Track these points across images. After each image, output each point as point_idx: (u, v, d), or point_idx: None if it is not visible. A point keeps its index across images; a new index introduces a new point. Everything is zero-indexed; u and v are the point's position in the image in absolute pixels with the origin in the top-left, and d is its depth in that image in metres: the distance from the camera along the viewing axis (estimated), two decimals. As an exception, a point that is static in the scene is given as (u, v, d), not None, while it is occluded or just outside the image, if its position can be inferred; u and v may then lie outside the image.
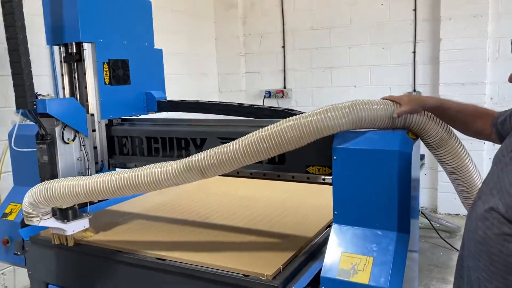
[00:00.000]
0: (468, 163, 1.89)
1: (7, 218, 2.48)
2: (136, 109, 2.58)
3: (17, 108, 2.14)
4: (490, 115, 1.75)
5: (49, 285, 2.40)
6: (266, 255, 2.02)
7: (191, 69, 6.14)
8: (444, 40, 5.18)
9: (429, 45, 5.43)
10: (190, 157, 1.89)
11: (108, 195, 2.01)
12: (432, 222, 4.78)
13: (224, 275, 1.88)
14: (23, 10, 2.07)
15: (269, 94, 6.34)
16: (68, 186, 2.01)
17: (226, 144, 1.84)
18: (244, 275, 1.84)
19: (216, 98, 6.69)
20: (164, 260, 2.04)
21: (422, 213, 4.89)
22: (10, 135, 2.45)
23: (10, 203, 2.56)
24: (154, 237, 2.32)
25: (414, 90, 5.53)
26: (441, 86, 5.25)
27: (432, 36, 5.38)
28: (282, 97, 6.27)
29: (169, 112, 2.71)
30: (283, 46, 6.28)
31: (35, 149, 2.28)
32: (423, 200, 5.57)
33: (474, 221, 1.43)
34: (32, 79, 2.13)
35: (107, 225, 2.52)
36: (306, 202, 2.81)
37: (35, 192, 2.06)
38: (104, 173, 2.05)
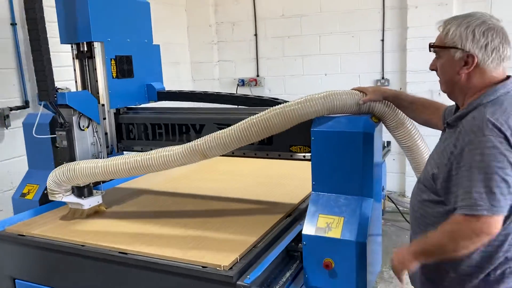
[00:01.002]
0: (420, 143, 2.26)
1: (25, 198, 2.83)
2: (139, 99, 2.91)
3: (40, 100, 2.48)
4: (438, 108, 2.00)
5: (16, 280, 2.44)
6: (225, 246, 2.10)
7: (163, 58, 6.10)
8: (411, 28, 5.28)
9: (397, 33, 5.52)
10: (193, 141, 2.25)
11: (123, 175, 2.39)
12: (398, 206, 4.94)
13: (183, 267, 1.96)
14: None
15: (242, 83, 6.38)
16: (88, 167, 2.38)
17: (223, 130, 2.21)
18: (202, 267, 1.93)
19: (189, 87, 6.69)
20: (126, 253, 2.11)
21: (388, 197, 5.05)
22: (24, 124, 2.92)
23: (27, 184, 2.91)
24: (118, 230, 2.38)
25: (383, 78, 5.64)
26: (408, 73, 5.37)
27: (399, 24, 5.48)
28: (255, 85, 6.31)
29: (165, 101, 3.02)
30: (255, 34, 6.29)
31: (54, 135, 2.66)
32: (392, 185, 5.74)
33: (412, 195, 1.82)
34: (52, 74, 2.47)
35: (74, 219, 2.57)
36: (267, 194, 2.90)
37: (59, 173, 2.43)
38: (119, 156, 2.42)
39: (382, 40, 5.61)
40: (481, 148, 1.46)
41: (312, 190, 2.23)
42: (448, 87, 1.70)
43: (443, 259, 1.60)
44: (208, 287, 1.91)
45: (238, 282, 1.82)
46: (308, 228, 2.11)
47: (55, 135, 2.65)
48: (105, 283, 2.19)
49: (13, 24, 3.96)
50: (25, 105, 4.09)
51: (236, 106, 2.79)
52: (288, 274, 2.11)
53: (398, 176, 5.78)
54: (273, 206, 2.65)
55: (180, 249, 2.08)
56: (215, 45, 6.56)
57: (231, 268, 1.90)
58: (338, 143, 2.14)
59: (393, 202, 5.06)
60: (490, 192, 1.44)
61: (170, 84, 6.37)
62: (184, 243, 2.17)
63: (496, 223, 1.46)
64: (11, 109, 3.94)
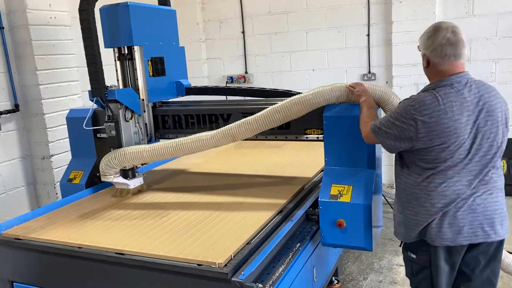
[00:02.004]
0: None
1: (72, 182, 3.28)
2: (170, 94, 3.32)
3: (92, 96, 2.88)
4: None
5: (14, 283, 2.48)
6: (220, 244, 2.17)
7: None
8: (396, 23, 5.36)
9: (382, 28, 5.60)
10: (225, 127, 2.74)
11: (166, 156, 2.85)
12: (387, 198, 5.04)
13: (179, 265, 2.02)
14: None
15: (231, 80, 6.42)
16: (136, 152, 2.87)
17: (250, 117, 2.69)
18: (198, 264, 1.99)
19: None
20: (123, 254, 2.16)
21: (377, 190, 5.16)
22: (68, 118, 3.39)
23: (72, 171, 3.35)
24: (115, 231, 2.43)
25: (369, 72, 5.72)
26: (394, 67, 5.45)
27: (384, 19, 5.55)
28: (244, 82, 6.35)
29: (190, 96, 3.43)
30: (243, 32, 6.33)
31: (97, 127, 3.19)
32: (382, 176, 5.84)
33: None
34: (103, 74, 2.87)
35: (70, 222, 2.61)
36: (259, 193, 2.97)
37: (111, 157, 2.92)
38: (161, 142, 2.88)
39: (368, 35, 5.69)
40: (400, 109, 2.10)
41: (325, 165, 2.72)
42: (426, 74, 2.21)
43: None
44: (204, 284, 1.97)
45: (233, 279, 1.88)
46: (324, 195, 2.59)
47: (97, 127, 3.18)
48: (103, 284, 2.25)
49: (1, 28, 3.96)
50: (15, 108, 4.11)
51: (255, 98, 3.21)
52: (308, 237, 2.57)
53: (387, 168, 5.87)
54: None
55: (175, 248, 2.14)
56: (203, 43, 6.58)
57: (225, 265, 1.97)
58: (346, 126, 2.60)
59: (382, 194, 5.16)
60: (386, 124, 2.14)
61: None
62: (180, 241, 2.23)
63: (373, 137, 2.23)
64: (1, 113, 3.96)
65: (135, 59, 3.02)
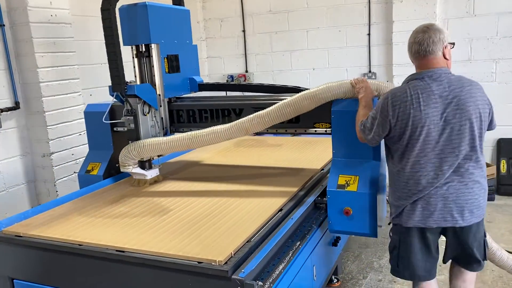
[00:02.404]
0: None
1: (90, 173, 3.43)
2: (184, 90, 3.46)
3: (113, 91, 2.99)
4: None
5: (14, 280, 2.48)
6: (221, 242, 2.17)
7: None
8: (396, 23, 5.37)
9: (383, 27, 5.61)
10: (238, 120, 2.88)
11: (182, 148, 3.04)
12: (387, 198, 5.04)
13: (179, 263, 2.02)
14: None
15: (231, 79, 6.42)
16: (154, 143, 3.02)
17: (262, 111, 2.82)
18: (198, 262, 1.99)
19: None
20: (123, 251, 2.16)
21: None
22: (86, 113, 3.53)
23: (90, 163, 3.48)
24: (115, 229, 2.43)
25: (370, 71, 5.73)
26: (394, 66, 5.47)
27: (385, 18, 5.57)
28: (244, 81, 6.36)
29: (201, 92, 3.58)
30: (243, 30, 6.34)
31: (114, 121, 3.33)
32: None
33: None
34: (123, 71, 2.99)
35: (71, 219, 2.62)
36: (259, 190, 2.98)
37: (130, 149, 3.07)
38: (178, 134, 3.03)
39: (369, 34, 5.70)
40: (381, 101, 2.36)
41: (333, 157, 2.85)
42: None
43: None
44: (204, 281, 1.97)
45: (233, 276, 1.88)
46: (332, 185, 2.73)
47: (115, 121, 3.34)
48: (103, 281, 2.25)
49: (1, 25, 3.96)
50: (16, 106, 4.11)
51: (266, 94, 3.36)
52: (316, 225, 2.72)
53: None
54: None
55: (176, 245, 2.14)
56: (204, 42, 6.59)
57: (226, 262, 1.97)
58: (353, 119, 2.68)
59: (382, 194, 5.16)
60: (370, 122, 2.40)
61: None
62: (180, 238, 2.23)
63: (360, 135, 2.52)
64: (1, 110, 3.96)
65: (152, 57, 3.16)
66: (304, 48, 6.05)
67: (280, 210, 2.60)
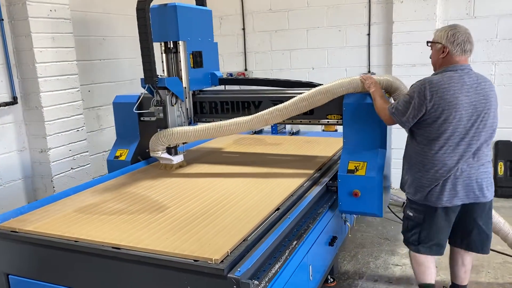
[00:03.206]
0: None
1: (119, 159, 3.76)
2: (206, 84, 3.75)
3: (145, 83, 3.25)
4: None
5: (9, 276, 2.48)
6: (217, 240, 2.16)
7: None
8: (397, 23, 5.36)
9: (383, 27, 5.60)
10: (259, 113, 3.20)
11: (207, 136, 3.38)
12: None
13: (175, 260, 2.02)
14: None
15: (231, 76, 6.41)
16: (182, 131, 3.34)
17: (281, 104, 3.15)
18: (194, 260, 1.99)
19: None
20: (119, 248, 2.16)
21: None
22: (114, 103, 3.86)
23: (118, 149, 3.82)
24: (111, 226, 2.43)
25: (369, 71, 5.72)
26: (394, 67, 5.45)
27: (385, 19, 5.56)
28: (243, 79, 6.35)
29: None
30: (243, 28, 6.32)
31: (142, 111, 3.63)
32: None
33: None
34: (155, 64, 3.22)
35: (67, 216, 2.61)
36: (252, 192, 2.98)
37: (160, 135, 3.38)
38: (203, 124, 3.38)
39: (368, 35, 5.70)
40: (414, 89, 2.63)
41: (344, 145, 3.17)
42: (433, 65, 2.79)
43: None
44: (199, 280, 1.97)
45: (229, 275, 1.88)
46: (342, 170, 3.06)
47: (143, 111, 3.63)
48: (99, 278, 2.24)
49: (0, 20, 3.95)
50: (14, 101, 4.10)
51: (282, 88, 3.66)
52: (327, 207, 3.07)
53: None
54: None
55: (172, 243, 2.14)
56: (203, 39, 6.56)
57: (222, 261, 1.97)
58: (362, 111, 3.06)
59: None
60: (402, 107, 2.67)
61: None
62: (177, 236, 2.22)
63: (393, 120, 2.76)
64: (-1, 105, 3.95)
65: (179, 53, 3.44)
66: (303, 47, 6.04)
67: (278, 209, 2.60)
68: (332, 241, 3.14)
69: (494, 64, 5.23)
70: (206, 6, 3.80)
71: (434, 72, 2.76)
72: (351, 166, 3.06)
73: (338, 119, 3.30)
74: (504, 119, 5.26)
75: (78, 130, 4.53)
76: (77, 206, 2.76)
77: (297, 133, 4.85)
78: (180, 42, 3.41)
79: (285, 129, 5.12)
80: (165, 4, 3.30)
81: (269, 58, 6.25)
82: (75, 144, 4.51)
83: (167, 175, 3.41)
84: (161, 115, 3.40)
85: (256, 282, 1.92)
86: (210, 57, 3.75)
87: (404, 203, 2.90)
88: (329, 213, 3.09)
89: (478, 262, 3.80)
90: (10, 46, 4.08)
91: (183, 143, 3.60)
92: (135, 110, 3.55)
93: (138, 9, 3.11)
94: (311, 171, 3.32)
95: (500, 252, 3.81)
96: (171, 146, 3.50)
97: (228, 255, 2.02)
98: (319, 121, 3.41)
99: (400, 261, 3.91)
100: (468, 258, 2.99)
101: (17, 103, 4.14)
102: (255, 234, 2.24)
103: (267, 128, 5.06)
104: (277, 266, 2.15)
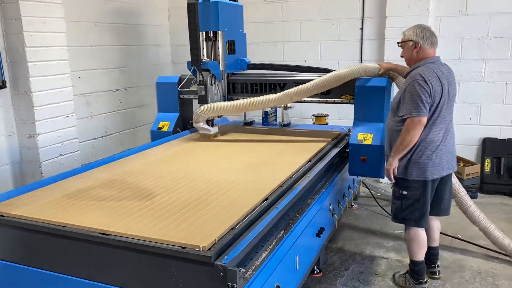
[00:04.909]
0: None
1: (162, 130, 4.49)
2: (237, 68, 4.50)
3: (192, 65, 3.90)
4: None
5: (-4, 260, 2.47)
6: (205, 228, 2.17)
7: (142, 40, 6.08)
8: (390, 18, 5.37)
9: (376, 22, 5.61)
10: (285, 91, 3.91)
11: (241, 110, 4.15)
12: (372, 191, 5.10)
13: (163, 247, 2.02)
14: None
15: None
16: (221, 106, 4.03)
17: (301, 86, 3.84)
18: (182, 247, 2.00)
19: (169, 70, 6.67)
20: (107, 234, 2.16)
21: (363, 182, 5.21)
22: (158, 83, 4.65)
23: (160, 122, 4.56)
24: (100, 211, 2.42)
25: (361, 66, 5.73)
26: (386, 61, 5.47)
27: (379, 13, 5.57)
28: (235, 70, 6.33)
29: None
30: (237, 19, 6.28)
31: (181, 90, 4.49)
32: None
33: (387, 120, 3.40)
34: (201, 50, 3.90)
35: (55, 201, 2.60)
36: (248, 179, 2.98)
37: (203, 109, 4.05)
38: (237, 100, 4.07)
39: (361, 29, 5.71)
40: (413, 85, 3.00)
41: (354, 120, 3.90)
42: (408, 61, 3.25)
43: (405, 149, 3.09)
44: (187, 267, 1.98)
45: (216, 262, 1.90)
46: (353, 140, 3.80)
47: (182, 90, 4.47)
48: (86, 263, 2.24)
49: (-11, 2, 3.89)
50: (2, 85, 4.05)
51: (303, 72, 4.31)
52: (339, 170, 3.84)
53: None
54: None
55: (160, 230, 2.14)
56: (196, 29, 6.52)
57: (209, 248, 1.98)
58: (371, 93, 3.82)
59: (367, 188, 5.22)
60: (417, 106, 2.97)
61: (149, 66, 6.35)
62: (165, 223, 2.23)
63: (422, 118, 2.99)
64: (-12, 89, 3.90)
65: (218, 41, 4.14)
66: (297, 40, 6.03)
67: (266, 199, 2.61)
68: (319, 232, 3.17)
69: (484, 62, 5.28)
70: (238, 1, 4.45)
71: (412, 67, 3.15)
72: (360, 136, 3.77)
73: (350, 98, 4.02)
74: (492, 117, 5.37)
75: (67, 116, 4.49)
76: (66, 192, 2.75)
77: (287, 125, 4.87)
78: (219, 32, 4.10)
79: (276, 120, 5.13)
80: (209, 0, 4.00)
81: (262, 49, 6.23)
82: (64, 130, 4.47)
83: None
84: (203, 92, 4.10)
85: (243, 269, 1.94)
86: (241, 45, 4.46)
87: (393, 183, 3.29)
88: (317, 204, 3.12)
89: (463, 257, 3.88)
90: (0, 29, 4.02)
91: (218, 117, 4.27)
92: (180, 88, 4.42)
93: (188, 3, 3.65)
94: (302, 162, 3.34)
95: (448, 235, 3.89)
96: (210, 119, 4.15)
97: (215, 242, 2.03)
98: (334, 100, 4.14)
99: (386, 254, 3.96)
100: (438, 221, 3.53)
101: (5, 87, 4.09)
102: (243, 223, 2.26)
103: (258, 119, 5.07)
104: (264, 254, 2.17)
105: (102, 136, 5.45)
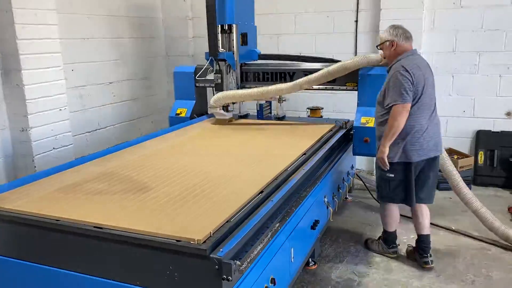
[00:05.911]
0: None
1: (180, 116, 4.83)
2: (248, 59, 4.85)
3: (210, 55, 4.39)
4: None
5: (-10, 254, 2.46)
6: (200, 221, 2.17)
7: (136, 33, 6.03)
8: (384, 10, 5.36)
9: (371, 14, 5.59)
10: (295, 81, 4.30)
11: (254, 98, 4.45)
12: (366, 184, 5.12)
13: (158, 241, 2.01)
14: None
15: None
16: (236, 93, 4.42)
17: (310, 75, 4.25)
18: (177, 240, 1.99)
19: (162, 62, 6.63)
20: (101, 228, 2.14)
21: (357, 175, 5.22)
22: (175, 72, 5.02)
23: (178, 108, 4.91)
24: (94, 205, 2.41)
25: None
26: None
27: (373, 6, 5.54)
28: (230, 62, 6.30)
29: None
30: (231, 11, 6.23)
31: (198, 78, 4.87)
32: (361, 163, 5.92)
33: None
34: (218, 41, 4.38)
35: (48, 195, 2.58)
36: (243, 173, 2.98)
37: (219, 96, 4.43)
38: (250, 89, 4.48)
39: (356, 21, 5.69)
40: (396, 76, 3.24)
41: (357, 106, 4.33)
42: (389, 58, 3.49)
43: (394, 135, 3.28)
44: (182, 260, 1.97)
45: (211, 255, 1.89)
46: (357, 123, 4.22)
47: (199, 78, 4.83)
48: (80, 257, 2.23)
49: (-20, -7, 3.83)
50: (-6, 77, 4.00)
51: (311, 62, 4.68)
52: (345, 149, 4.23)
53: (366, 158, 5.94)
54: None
55: (155, 223, 2.14)
56: (190, 21, 6.48)
57: (204, 241, 1.97)
58: (372, 80, 4.18)
59: (362, 180, 5.23)
60: (401, 93, 3.20)
61: (142, 58, 6.30)
62: (160, 217, 2.22)
63: (406, 105, 3.21)
64: (-21, 81, 3.85)
65: (233, 33, 4.47)
66: (291, 32, 6.01)
67: (261, 192, 2.61)
68: (314, 225, 3.18)
69: (478, 54, 5.28)
70: None
71: (398, 58, 3.35)
72: (363, 120, 4.17)
73: (354, 86, 4.40)
74: (485, 109, 5.39)
75: (60, 110, 4.46)
76: (59, 185, 2.73)
77: (282, 118, 4.86)
78: (234, 25, 4.43)
79: (270, 113, 5.11)
80: None
81: (257, 42, 6.18)
82: (57, 123, 4.44)
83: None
84: (219, 81, 4.52)
85: (238, 262, 1.93)
86: (252, 37, 4.80)
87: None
88: (311, 198, 3.12)
89: (456, 248, 3.90)
90: (-11, 20, 3.97)
91: (233, 103, 4.62)
92: (198, 77, 4.78)
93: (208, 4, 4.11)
94: (297, 154, 3.34)
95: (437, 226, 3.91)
96: (225, 105, 4.50)
97: (211, 235, 2.02)
98: (339, 88, 4.51)
99: (380, 246, 3.97)
100: (425, 208, 3.61)
101: (-4, 78, 4.04)
102: (238, 216, 2.25)
103: (253, 112, 5.05)
104: (259, 247, 2.17)
105: (96, 130, 5.41)
